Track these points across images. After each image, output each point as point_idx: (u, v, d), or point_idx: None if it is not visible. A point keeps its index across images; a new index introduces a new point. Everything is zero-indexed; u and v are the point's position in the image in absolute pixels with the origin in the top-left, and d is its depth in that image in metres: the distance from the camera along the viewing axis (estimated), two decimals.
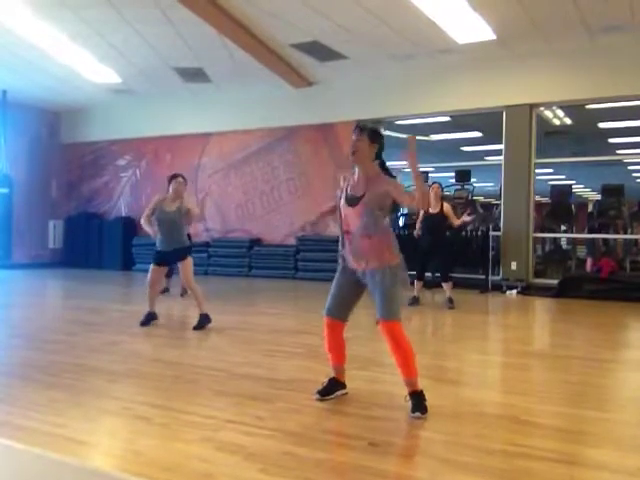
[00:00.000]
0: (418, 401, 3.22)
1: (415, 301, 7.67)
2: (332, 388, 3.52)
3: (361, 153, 3.32)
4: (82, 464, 2.55)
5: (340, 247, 3.46)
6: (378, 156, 3.38)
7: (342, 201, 3.40)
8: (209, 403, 3.41)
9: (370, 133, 3.34)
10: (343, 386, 3.57)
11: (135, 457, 2.60)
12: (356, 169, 3.39)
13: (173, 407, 3.28)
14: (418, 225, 7.77)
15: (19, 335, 5.56)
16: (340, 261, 3.48)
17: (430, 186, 7.69)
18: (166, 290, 8.52)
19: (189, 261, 6.01)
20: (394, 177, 3.45)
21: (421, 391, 3.27)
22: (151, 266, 6.04)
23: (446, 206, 7.68)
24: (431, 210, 7.45)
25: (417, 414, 3.16)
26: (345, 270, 3.44)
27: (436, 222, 7.58)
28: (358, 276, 3.37)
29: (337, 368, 3.56)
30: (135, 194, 13.55)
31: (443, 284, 7.69)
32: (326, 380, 3.55)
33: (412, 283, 7.50)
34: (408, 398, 3.25)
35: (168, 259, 6.07)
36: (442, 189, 8.01)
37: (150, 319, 6.02)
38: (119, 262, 12.99)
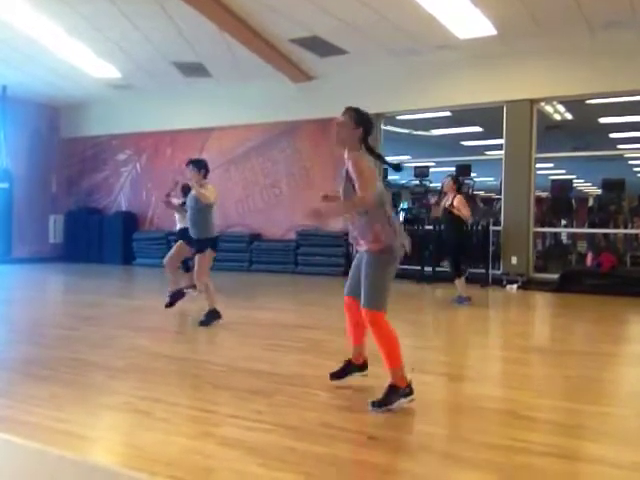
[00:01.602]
0: (385, 394, 3.12)
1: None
2: (346, 369, 3.55)
3: (340, 136, 3.21)
4: (83, 459, 2.56)
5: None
6: (364, 140, 3.23)
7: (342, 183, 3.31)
8: (210, 397, 3.42)
9: (353, 115, 3.20)
10: (360, 368, 3.57)
11: (136, 452, 2.60)
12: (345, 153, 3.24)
13: (174, 402, 3.28)
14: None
15: (19, 330, 5.58)
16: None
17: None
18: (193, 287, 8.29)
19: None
20: (386, 162, 3.37)
21: (395, 386, 3.13)
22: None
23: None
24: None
25: (370, 407, 3.08)
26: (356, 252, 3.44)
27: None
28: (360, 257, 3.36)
29: (354, 348, 3.55)
30: (135, 189, 13.54)
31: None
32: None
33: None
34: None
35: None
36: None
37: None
38: (119, 256, 12.99)
